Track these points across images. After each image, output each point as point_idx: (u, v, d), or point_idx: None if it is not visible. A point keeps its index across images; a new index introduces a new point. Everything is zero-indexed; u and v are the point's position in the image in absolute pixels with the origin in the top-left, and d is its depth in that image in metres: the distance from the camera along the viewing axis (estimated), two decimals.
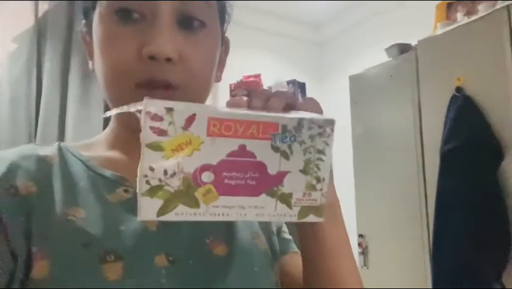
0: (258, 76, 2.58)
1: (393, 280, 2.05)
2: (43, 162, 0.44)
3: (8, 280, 0.37)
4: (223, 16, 0.51)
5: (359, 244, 2.22)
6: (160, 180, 0.30)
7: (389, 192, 2.12)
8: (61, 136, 2.31)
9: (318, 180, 0.34)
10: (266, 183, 0.33)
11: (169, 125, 0.30)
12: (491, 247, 1.58)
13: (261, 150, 0.32)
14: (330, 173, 0.39)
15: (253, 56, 2.98)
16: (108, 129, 0.53)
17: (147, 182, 0.30)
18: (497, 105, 1.64)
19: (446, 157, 1.74)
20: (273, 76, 2.80)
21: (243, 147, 0.32)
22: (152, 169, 0.30)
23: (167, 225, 0.43)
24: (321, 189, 0.34)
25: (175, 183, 0.31)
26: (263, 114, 0.32)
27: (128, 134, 0.48)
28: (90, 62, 0.51)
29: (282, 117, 0.33)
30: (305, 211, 0.34)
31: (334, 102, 3.20)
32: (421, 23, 2.40)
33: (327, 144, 0.34)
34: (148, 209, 0.30)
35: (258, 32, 3.04)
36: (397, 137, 2.09)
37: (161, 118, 0.30)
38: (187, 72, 0.43)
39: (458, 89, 1.76)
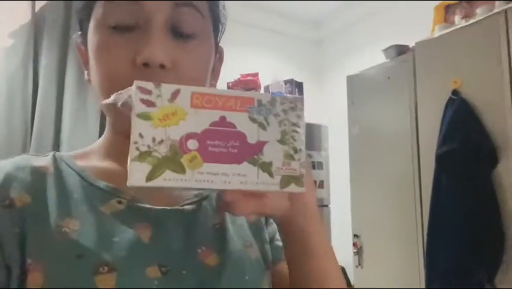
0: (255, 74, 2.58)
1: (387, 280, 2.07)
2: (37, 173, 0.44)
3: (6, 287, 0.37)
4: (216, 26, 0.51)
5: (354, 244, 2.24)
6: (149, 146, 0.32)
7: (384, 193, 2.14)
8: (57, 132, 2.30)
9: (296, 150, 0.36)
10: (247, 151, 0.35)
11: (157, 98, 0.33)
12: (484, 248, 1.60)
13: (240, 121, 0.35)
14: (311, 176, 0.42)
15: (251, 54, 2.98)
16: (102, 137, 0.53)
17: (137, 148, 0.32)
18: (493, 109, 1.66)
19: (441, 159, 1.76)
20: (271, 74, 2.80)
21: (223, 118, 0.34)
22: (141, 136, 0.32)
23: (159, 236, 0.44)
24: (299, 160, 0.36)
25: (163, 150, 0.33)
26: (240, 92, 0.36)
27: (122, 142, 0.49)
28: (86, 72, 0.51)
29: (256, 93, 0.37)
30: (286, 180, 0.35)
31: (331, 101, 3.22)
32: (419, 25, 2.41)
33: (299, 117, 0.37)
34: (137, 174, 0.32)
35: (256, 31, 3.04)
36: (394, 138, 2.10)
37: (149, 92, 0.33)
38: (179, 79, 0.44)
39: (455, 92, 1.78)
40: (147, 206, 0.46)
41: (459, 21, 2.08)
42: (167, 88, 0.34)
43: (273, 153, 0.35)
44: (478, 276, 1.61)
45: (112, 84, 0.44)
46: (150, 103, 0.33)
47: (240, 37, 2.70)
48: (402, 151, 2.04)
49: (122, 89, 0.42)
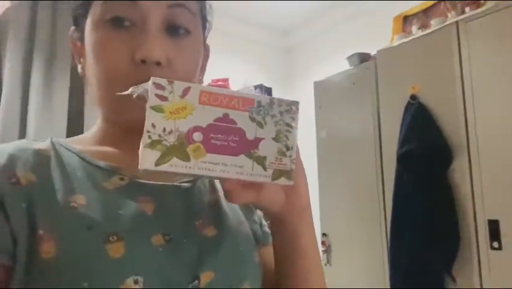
0: (226, 80, 2.62)
1: (354, 276, 2.16)
2: (39, 154, 0.47)
3: (10, 262, 0.40)
4: (204, 24, 0.56)
5: (323, 243, 2.31)
6: (159, 135, 0.36)
7: (350, 193, 2.23)
8: (22, 134, 2.24)
9: (288, 148, 0.40)
10: (245, 146, 0.39)
11: (169, 93, 0.37)
12: (441, 242, 1.70)
13: (241, 118, 0.39)
14: (305, 178, 0.46)
15: (222, 60, 3.02)
16: (95, 127, 0.56)
17: (149, 137, 0.36)
18: (447, 112, 1.78)
19: (402, 159, 1.87)
20: (241, 80, 2.86)
21: (226, 115, 0.38)
22: (153, 126, 0.36)
23: (160, 208, 0.47)
24: (290, 156, 0.40)
25: (171, 139, 0.37)
26: (243, 93, 0.40)
27: (116, 130, 0.52)
28: (79, 66, 0.54)
29: (257, 95, 0.41)
30: (277, 173, 0.40)
31: (300, 106, 3.31)
32: (380, 34, 2.55)
33: (293, 119, 0.41)
34: (148, 159, 0.36)
35: (227, 37, 3.09)
36: (358, 140, 2.20)
37: (163, 88, 0.37)
38: (174, 75, 0.47)
39: (413, 96, 1.89)
40: (148, 182, 0.49)
41: (416, 31, 2.23)
42: (179, 85, 0.38)
43: (267, 149, 0.39)
44: (437, 267, 1.72)
45: (110, 79, 0.47)
46: (163, 98, 0.37)
47: (212, 44, 2.74)
48: (366, 152, 2.13)
49: (120, 83, 0.46)
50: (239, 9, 3.02)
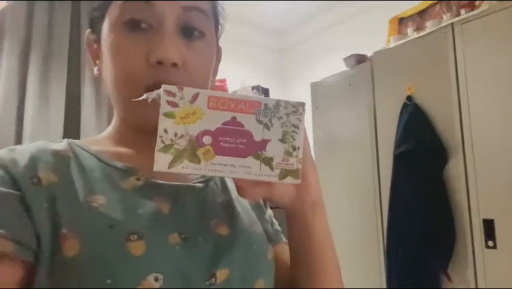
0: (223, 80, 2.63)
1: (350, 274, 2.17)
2: (58, 155, 0.48)
3: (33, 258, 0.40)
4: (217, 26, 0.57)
5: None
6: (171, 140, 0.39)
7: (347, 193, 2.24)
8: (19, 135, 2.24)
9: (294, 148, 0.41)
10: (252, 147, 0.40)
11: (180, 100, 0.39)
12: (437, 240, 1.73)
13: (248, 121, 0.40)
14: (315, 172, 0.48)
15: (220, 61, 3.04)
16: (110, 127, 0.57)
17: (162, 141, 0.38)
18: (442, 112, 1.81)
19: (398, 159, 1.89)
20: (239, 81, 2.87)
21: (234, 118, 0.40)
22: (166, 131, 0.39)
23: (176, 208, 0.48)
24: (296, 156, 0.41)
25: (183, 143, 0.39)
26: (249, 96, 0.42)
27: (131, 131, 0.53)
28: (95, 68, 0.55)
29: (264, 98, 0.42)
30: (284, 173, 0.41)
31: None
32: (376, 36, 2.57)
33: (299, 120, 0.42)
34: (162, 162, 0.38)
35: (224, 39, 3.09)
36: (355, 141, 2.22)
37: (174, 94, 0.39)
38: (189, 76, 0.49)
39: (409, 97, 1.92)
40: (163, 182, 0.50)
41: (411, 33, 2.25)
42: (188, 92, 0.39)
43: (274, 150, 0.41)
44: (433, 266, 1.74)
45: (127, 80, 0.48)
46: (174, 104, 0.39)
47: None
48: (363, 153, 2.15)
49: (136, 84, 0.47)
50: (234, 10, 3.02)
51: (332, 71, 2.44)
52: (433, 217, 1.74)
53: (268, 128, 0.41)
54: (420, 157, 1.80)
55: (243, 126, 0.40)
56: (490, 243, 1.61)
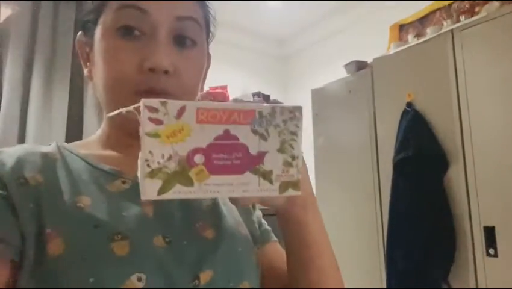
0: (224, 87, 2.64)
1: (351, 280, 2.15)
2: (46, 157, 0.49)
3: (18, 256, 0.41)
4: (208, 34, 0.58)
5: None
6: (159, 163, 0.35)
7: (348, 199, 2.23)
8: (22, 139, 2.25)
9: (293, 157, 0.39)
10: (249, 162, 0.37)
11: (164, 116, 0.35)
12: (438, 248, 1.71)
13: (243, 133, 0.37)
14: (305, 169, 0.46)
15: (221, 68, 3.05)
16: (99, 131, 0.58)
17: (148, 165, 0.34)
18: (442, 119, 1.80)
19: (398, 166, 1.87)
20: (239, 88, 2.88)
21: (227, 132, 0.36)
22: (151, 153, 0.35)
23: (161, 212, 0.48)
24: (296, 166, 0.39)
25: (172, 165, 0.35)
26: (242, 104, 0.38)
27: (120, 135, 0.54)
28: (85, 70, 0.56)
29: (258, 105, 0.38)
30: (284, 185, 0.38)
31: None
32: (377, 42, 2.57)
33: (297, 127, 0.39)
34: (150, 189, 0.34)
35: (225, 46, 3.12)
36: (355, 147, 2.21)
37: (157, 110, 0.35)
38: (180, 83, 0.49)
39: (409, 104, 1.91)
40: None
41: (412, 39, 2.25)
42: (173, 105, 0.35)
43: (273, 162, 0.38)
44: (433, 274, 1.71)
45: (119, 85, 0.49)
46: (158, 121, 0.35)
47: (211, 52, 2.77)
48: (363, 159, 2.14)
49: (128, 90, 0.47)
50: (236, 18, 3.06)
51: (333, 78, 2.45)
52: (433, 224, 1.72)
53: (265, 139, 0.38)
54: (420, 164, 1.79)
55: (237, 139, 0.37)
56: (491, 251, 1.59)
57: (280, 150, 0.38)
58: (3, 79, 2.27)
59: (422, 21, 2.37)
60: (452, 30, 1.81)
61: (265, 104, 0.40)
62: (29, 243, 0.41)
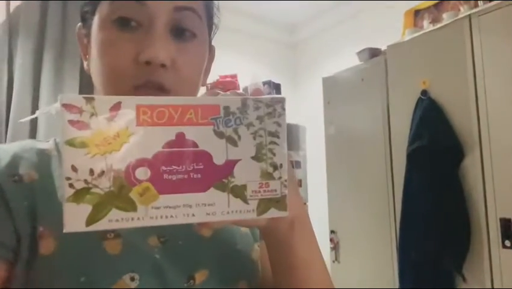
0: (234, 76, 2.62)
1: (362, 273, 2.14)
2: (42, 154, 0.48)
3: (12, 256, 0.40)
4: (210, 26, 0.55)
5: (331, 240, 2.30)
6: (86, 181, 0.26)
7: (359, 190, 2.21)
8: (33, 133, 2.28)
9: (275, 167, 0.30)
10: (214, 175, 0.29)
11: (91, 117, 0.26)
12: (452, 239, 1.68)
13: (203, 137, 0.28)
14: (293, 179, 0.38)
15: (230, 57, 3.02)
16: None
17: (71, 185, 0.26)
18: (458, 108, 1.75)
19: (411, 156, 1.84)
20: (249, 76, 2.85)
21: (181, 136, 0.28)
22: (75, 169, 0.26)
23: None
24: (279, 178, 0.30)
25: (105, 184, 0.26)
26: (200, 98, 0.29)
27: None
28: (85, 63, 0.54)
29: (222, 98, 0.29)
30: (264, 204, 0.30)
31: (308, 102, 3.30)
32: (391, 29, 2.51)
33: (279, 125, 0.30)
34: (75, 218, 0.26)
35: (235, 34, 3.08)
36: (367, 137, 2.17)
37: (80, 110, 0.26)
38: (178, 77, 0.47)
39: (424, 92, 1.86)
40: None
41: (427, 25, 2.18)
42: (103, 103, 0.26)
43: (246, 174, 0.29)
44: (447, 265, 1.69)
45: (114, 77, 0.47)
46: (82, 125, 0.26)
47: (219, 40, 2.74)
48: (375, 149, 2.11)
49: (125, 84, 0.45)
50: (246, 5, 3.01)
51: (345, 65, 2.40)
52: (448, 215, 1.69)
53: (234, 143, 0.29)
54: (435, 154, 1.75)
55: (196, 145, 0.28)
56: (507, 243, 1.56)
57: (257, 158, 0.30)
58: (14, 68, 2.28)
59: (438, 7, 2.29)
60: (469, 15, 1.75)
61: (232, 96, 0.30)
62: (23, 242, 0.41)
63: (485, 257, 1.62)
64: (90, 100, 0.26)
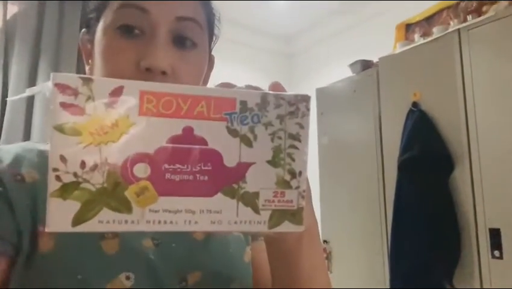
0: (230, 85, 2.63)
1: (355, 283, 2.15)
2: (43, 155, 0.49)
3: (13, 252, 0.42)
4: (211, 37, 0.57)
5: (324, 250, 2.30)
6: (76, 174, 0.23)
7: (352, 200, 2.22)
8: (27, 140, 2.27)
9: (293, 174, 0.26)
10: (223, 178, 0.25)
11: (87, 101, 0.23)
12: (442, 249, 1.69)
13: (214, 134, 0.25)
14: (308, 191, 0.34)
15: (226, 66, 3.05)
16: None
17: (58, 178, 0.23)
18: (448, 120, 1.78)
19: (403, 166, 1.86)
20: (244, 86, 2.88)
21: (189, 131, 0.25)
22: (64, 160, 0.23)
23: None
24: (297, 187, 0.27)
25: (97, 179, 0.23)
26: (215, 88, 0.25)
27: None
28: (87, 67, 0.56)
29: (240, 91, 0.26)
30: (277, 216, 0.26)
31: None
32: (383, 42, 2.56)
33: (302, 127, 0.27)
34: (60, 216, 0.23)
35: (231, 44, 3.12)
36: (360, 147, 2.20)
37: (75, 92, 0.22)
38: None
39: (415, 104, 1.90)
40: None
41: (418, 39, 2.23)
42: (103, 85, 0.23)
43: (260, 180, 0.26)
44: (438, 276, 1.70)
45: None
46: (76, 110, 0.22)
47: (215, 50, 2.77)
48: (367, 159, 2.13)
49: None
50: (241, 16, 3.05)
51: (338, 77, 2.43)
52: (438, 225, 1.71)
53: (249, 144, 0.26)
54: (425, 164, 1.77)
55: (205, 142, 0.25)
56: (496, 253, 1.58)
57: (273, 163, 0.26)
58: (9, 76, 2.28)
59: (429, 21, 2.35)
60: (459, 29, 1.79)
61: (252, 90, 0.26)
62: (24, 240, 0.42)
63: (475, 267, 1.64)
64: (87, 81, 0.23)
